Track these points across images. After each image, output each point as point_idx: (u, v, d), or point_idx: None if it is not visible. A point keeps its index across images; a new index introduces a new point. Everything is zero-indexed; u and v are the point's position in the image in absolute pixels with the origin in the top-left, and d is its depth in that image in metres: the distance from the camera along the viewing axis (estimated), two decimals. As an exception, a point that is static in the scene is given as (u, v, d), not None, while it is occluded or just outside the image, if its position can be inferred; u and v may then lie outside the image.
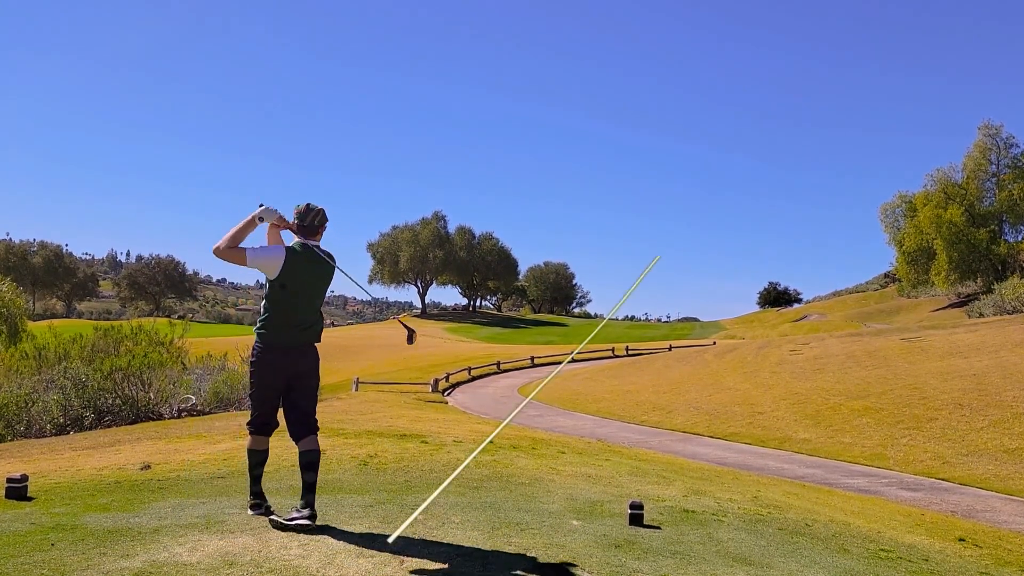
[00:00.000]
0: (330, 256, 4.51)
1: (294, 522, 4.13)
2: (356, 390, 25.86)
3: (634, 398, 22.58)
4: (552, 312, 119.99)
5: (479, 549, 3.98)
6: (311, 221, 4.42)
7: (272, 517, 4.26)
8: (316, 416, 4.44)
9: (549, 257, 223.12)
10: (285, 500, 5.14)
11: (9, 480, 5.18)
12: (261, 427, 4.44)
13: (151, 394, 14.77)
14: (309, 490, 4.23)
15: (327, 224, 4.54)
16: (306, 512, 4.17)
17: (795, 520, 5.73)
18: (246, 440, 4.48)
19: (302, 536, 4.07)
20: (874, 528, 6.05)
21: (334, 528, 4.30)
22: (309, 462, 4.27)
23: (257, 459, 4.49)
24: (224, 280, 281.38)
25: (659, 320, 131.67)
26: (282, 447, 7.95)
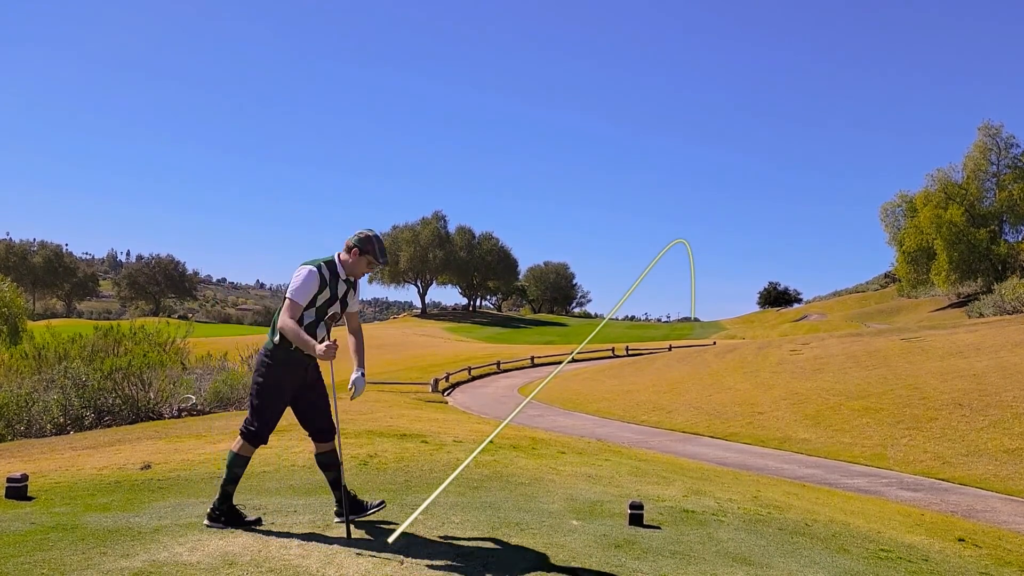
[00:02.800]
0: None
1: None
2: (356, 390, 25.82)
3: (634, 398, 22.58)
4: (552, 312, 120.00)
5: (479, 549, 3.99)
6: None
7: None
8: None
9: (549, 257, 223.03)
10: (286, 499, 5.15)
11: (9, 480, 5.18)
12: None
13: (151, 394, 14.77)
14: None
15: (354, 249, 4.42)
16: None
17: (795, 520, 5.74)
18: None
19: (302, 536, 4.08)
20: (874, 528, 6.05)
21: (334, 528, 4.31)
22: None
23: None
24: (224, 280, 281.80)
25: (659, 320, 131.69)
26: (281, 447, 7.95)
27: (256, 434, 4.33)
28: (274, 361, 4.29)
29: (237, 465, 4.35)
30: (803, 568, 4.17)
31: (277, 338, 4.28)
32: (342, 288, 4.38)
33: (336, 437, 4.45)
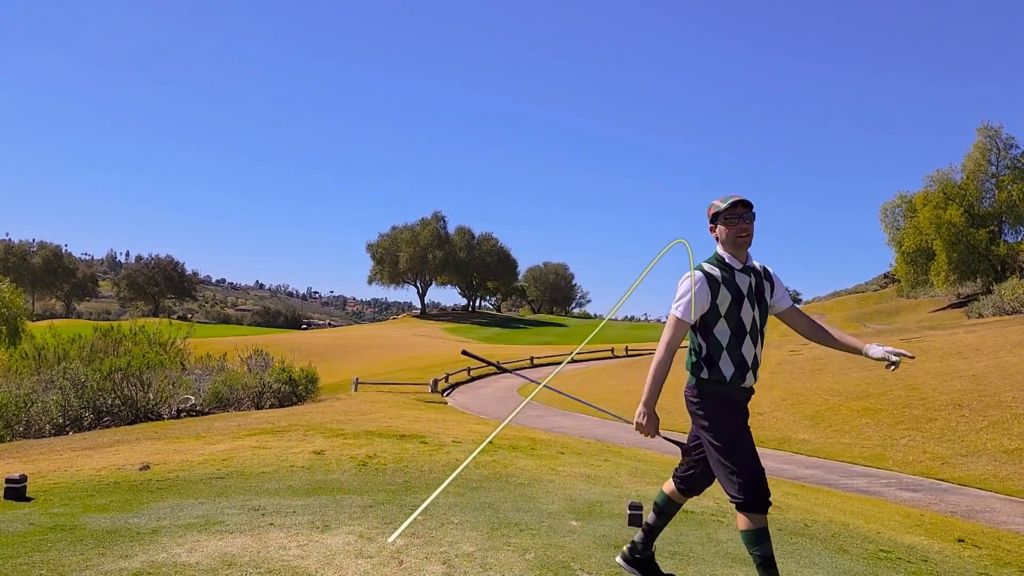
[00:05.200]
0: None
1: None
2: (355, 390, 25.85)
3: (634, 398, 22.45)
4: (552, 312, 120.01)
5: (479, 549, 3.98)
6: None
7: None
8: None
9: (549, 257, 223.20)
10: (286, 500, 5.14)
11: (8, 480, 5.17)
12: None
13: (150, 394, 14.76)
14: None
15: (711, 228, 3.47)
16: None
17: (794, 521, 5.73)
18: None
19: (301, 536, 4.07)
20: (873, 528, 6.04)
21: (334, 528, 4.30)
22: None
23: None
24: (224, 280, 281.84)
25: (659, 320, 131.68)
26: (281, 447, 7.94)
27: (749, 498, 3.20)
28: (719, 400, 3.38)
29: (755, 543, 3.23)
30: (803, 569, 4.17)
31: (706, 373, 3.38)
32: (744, 280, 3.35)
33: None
